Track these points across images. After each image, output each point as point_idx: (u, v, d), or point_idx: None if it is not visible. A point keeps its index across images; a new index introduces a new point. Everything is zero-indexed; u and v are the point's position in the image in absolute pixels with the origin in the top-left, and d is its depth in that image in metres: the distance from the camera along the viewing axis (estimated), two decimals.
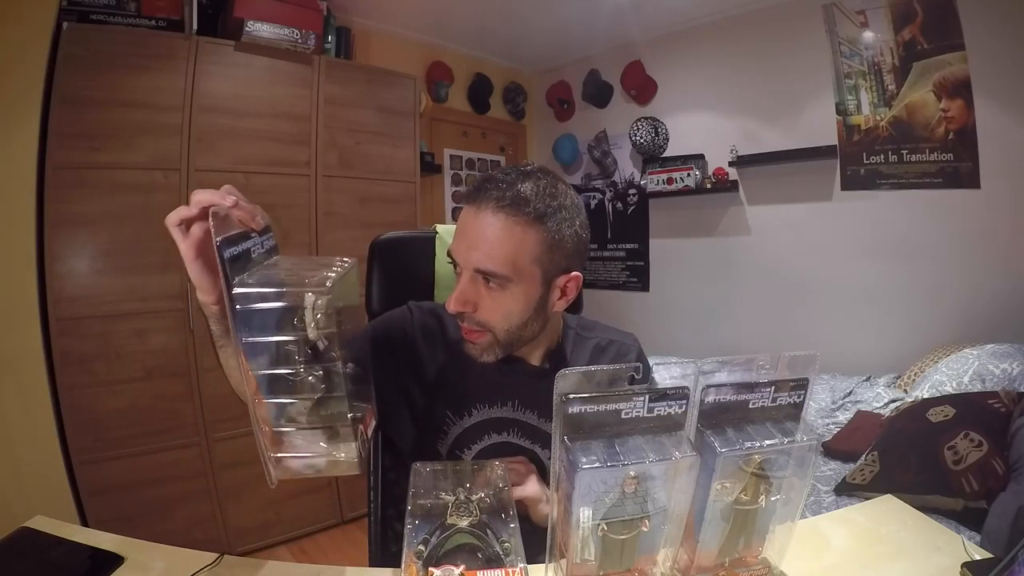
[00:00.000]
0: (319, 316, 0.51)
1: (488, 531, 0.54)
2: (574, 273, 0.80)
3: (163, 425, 2.00)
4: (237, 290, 0.50)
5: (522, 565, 0.51)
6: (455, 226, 0.80)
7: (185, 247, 0.56)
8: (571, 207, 0.77)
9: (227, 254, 0.50)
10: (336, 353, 0.52)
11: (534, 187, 0.74)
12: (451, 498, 0.56)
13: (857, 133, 2.56)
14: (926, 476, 1.39)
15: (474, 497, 0.56)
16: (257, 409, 0.53)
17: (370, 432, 0.61)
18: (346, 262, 0.57)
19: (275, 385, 0.53)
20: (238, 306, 0.50)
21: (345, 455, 0.55)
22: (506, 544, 0.53)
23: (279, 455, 0.54)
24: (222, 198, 0.54)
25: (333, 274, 0.53)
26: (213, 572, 0.64)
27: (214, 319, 0.60)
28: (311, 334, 0.51)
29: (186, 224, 0.56)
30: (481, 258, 0.73)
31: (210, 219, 0.51)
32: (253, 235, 0.56)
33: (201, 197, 0.55)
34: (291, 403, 0.53)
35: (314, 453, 0.54)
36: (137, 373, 1.95)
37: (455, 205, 3.50)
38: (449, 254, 0.78)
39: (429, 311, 0.91)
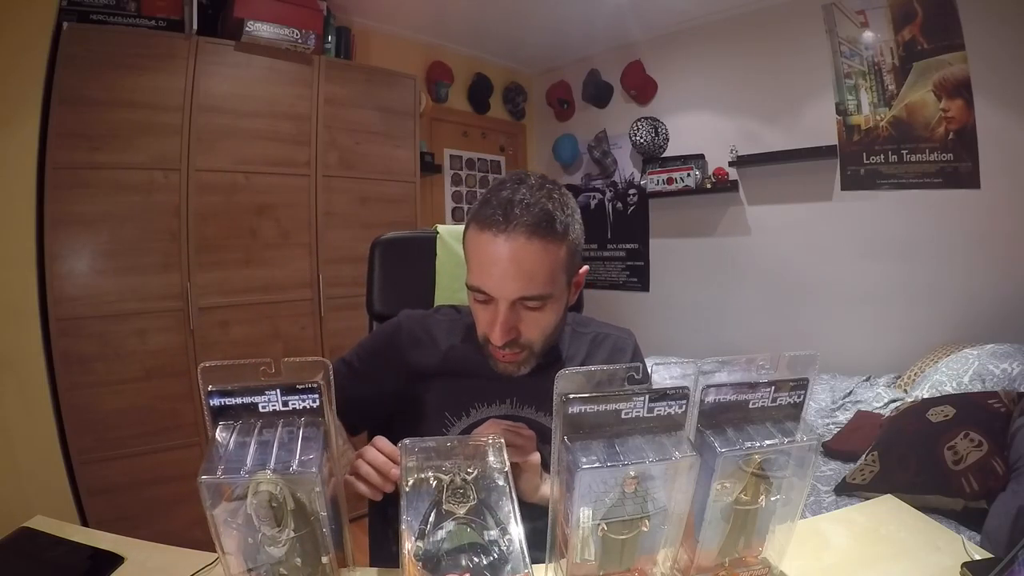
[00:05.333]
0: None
1: (487, 517, 0.54)
2: (584, 266, 0.83)
3: (163, 425, 2.00)
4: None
5: (526, 571, 0.51)
6: (466, 246, 0.78)
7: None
8: (575, 207, 0.79)
9: (215, 402, 0.52)
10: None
11: (550, 200, 0.74)
12: (446, 478, 0.55)
13: (857, 133, 2.55)
14: (926, 476, 1.39)
15: (469, 478, 0.56)
16: None
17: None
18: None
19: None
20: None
21: None
22: (508, 539, 0.52)
23: None
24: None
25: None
26: (213, 572, 0.64)
27: None
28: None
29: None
30: (524, 287, 0.73)
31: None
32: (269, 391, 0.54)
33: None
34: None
35: None
36: (137, 373, 1.95)
37: (455, 205, 3.50)
38: (473, 287, 0.76)
39: (419, 319, 0.93)
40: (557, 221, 0.73)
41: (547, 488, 0.65)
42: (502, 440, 0.61)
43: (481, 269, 0.75)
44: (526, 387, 0.86)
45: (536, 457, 0.74)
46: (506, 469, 0.58)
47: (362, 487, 0.66)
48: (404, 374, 0.89)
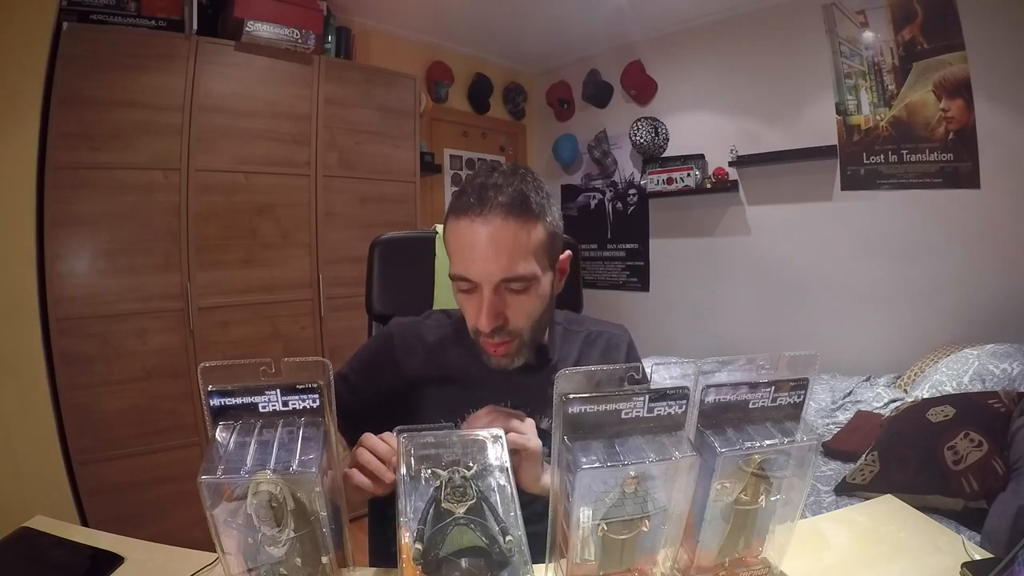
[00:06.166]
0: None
1: (487, 515, 0.53)
2: (567, 252, 0.84)
3: (163, 425, 2.00)
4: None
5: (527, 571, 0.51)
6: (447, 238, 0.78)
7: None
8: (550, 192, 0.81)
9: (216, 401, 0.52)
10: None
11: (524, 183, 0.75)
12: (444, 474, 0.54)
13: (857, 133, 2.55)
14: (926, 476, 1.39)
15: (469, 474, 0.55)
16: None
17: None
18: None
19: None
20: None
21: None
22: (509, 538, 0.52)
23: None
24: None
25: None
26: (213, 572, 0.64)
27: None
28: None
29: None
30: (506, 267, 0.73)
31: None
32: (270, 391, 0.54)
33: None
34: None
35: None
36: (137, 373, 1.95)
37: None
38: (456, 276, 0.76)
39: (410, 326, 0.93)
40: (532, 201, 0.74)
41: (548, 478, 0.64)
42: (502, 435, 0.60)
43: (462, 255, 0.75)
44: (520, 390, 0.86)
45: (537, 443, 0.72)
46: (506, 465, 0.57)
47: (362, 478, 0.66)
48: (399, 383, 0.89)
